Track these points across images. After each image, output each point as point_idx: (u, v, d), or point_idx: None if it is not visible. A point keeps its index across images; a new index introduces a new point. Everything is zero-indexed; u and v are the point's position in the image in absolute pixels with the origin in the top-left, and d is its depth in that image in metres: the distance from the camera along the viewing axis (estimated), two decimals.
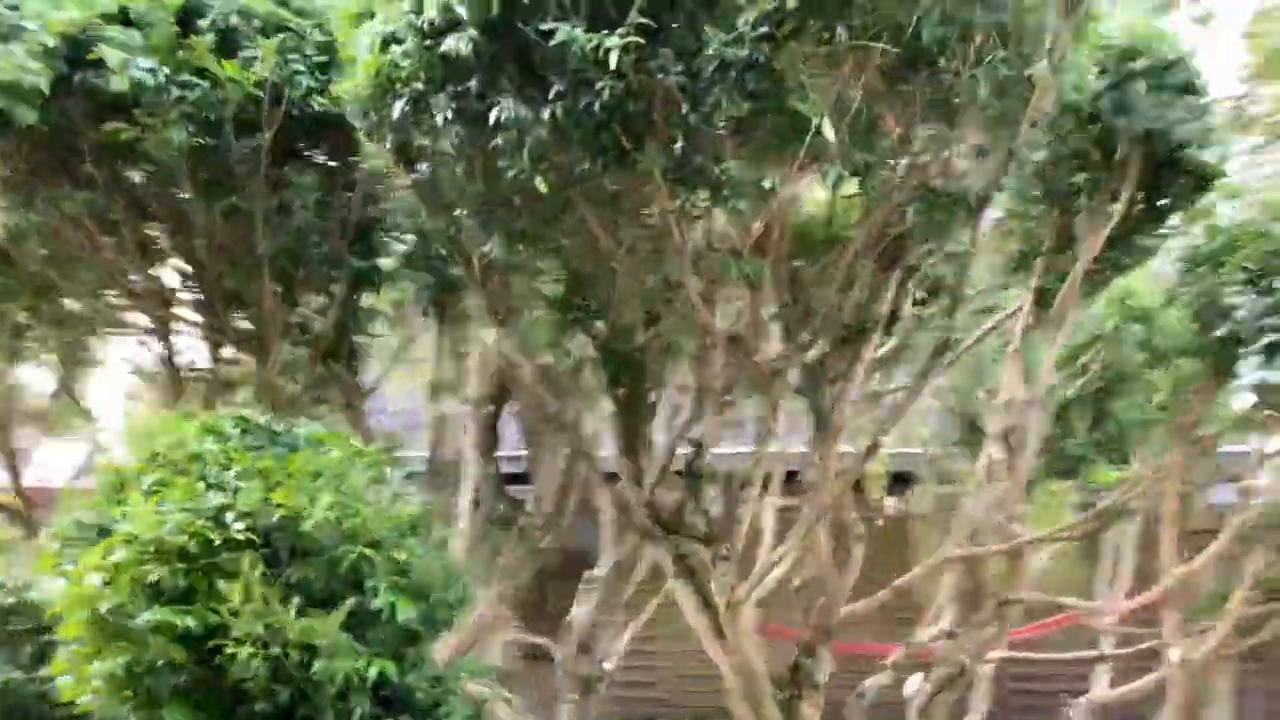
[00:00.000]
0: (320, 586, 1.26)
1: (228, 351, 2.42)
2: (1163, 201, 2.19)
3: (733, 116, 1.32)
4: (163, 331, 2.35)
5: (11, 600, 1.65)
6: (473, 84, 1.36)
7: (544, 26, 1.28)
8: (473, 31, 1.30)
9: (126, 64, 1.72)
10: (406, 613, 1.27)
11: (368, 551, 1.26)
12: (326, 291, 2.25)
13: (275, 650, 1.17)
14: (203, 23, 1.86)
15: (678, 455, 2.05)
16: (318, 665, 1.19)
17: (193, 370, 2.39)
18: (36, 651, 1.58)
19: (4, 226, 1.89)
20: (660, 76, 1.27)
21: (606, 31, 1.26)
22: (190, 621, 1.16)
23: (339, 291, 2.25)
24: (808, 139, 1.31)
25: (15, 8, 1.72)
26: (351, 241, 2.24)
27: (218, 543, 1.20)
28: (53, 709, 1.54)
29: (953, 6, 1.32)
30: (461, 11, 1.30)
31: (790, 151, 1.37)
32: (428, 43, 1.36)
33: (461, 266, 1.76)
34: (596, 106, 1.30)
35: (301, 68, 1.96)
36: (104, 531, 1.30)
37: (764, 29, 1.23)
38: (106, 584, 1.19)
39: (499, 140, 1.38)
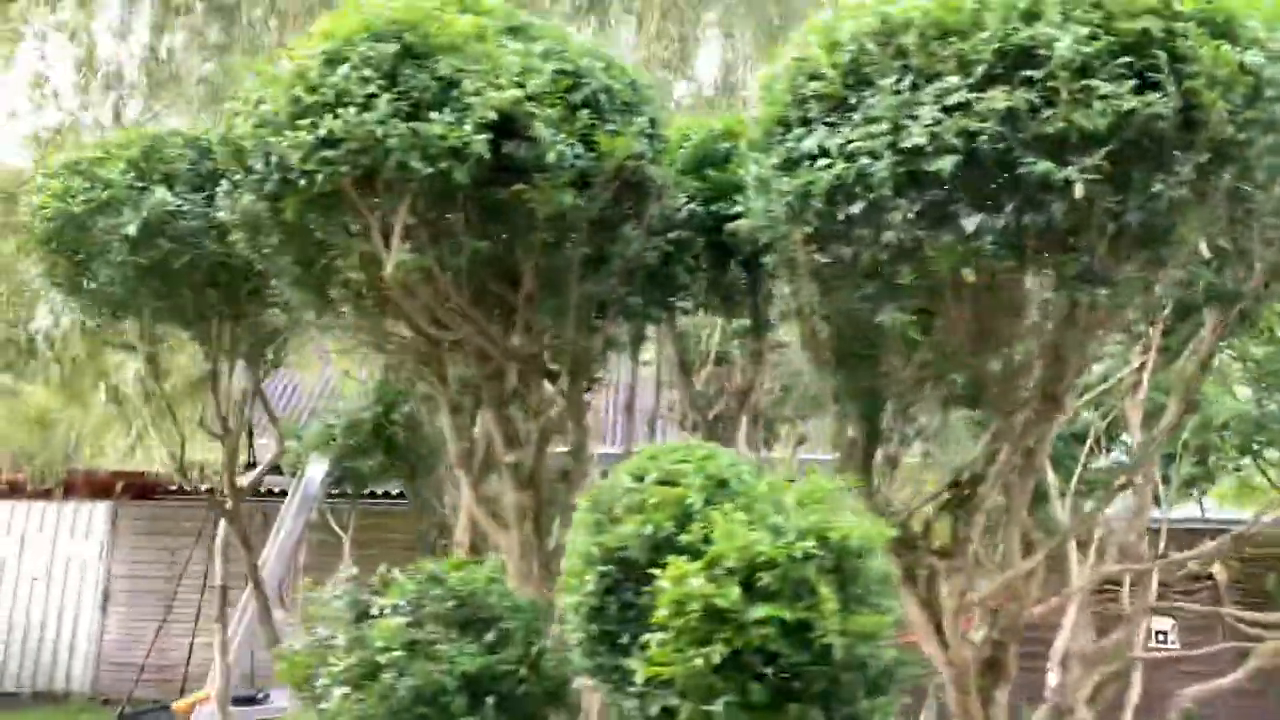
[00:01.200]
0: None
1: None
2: None
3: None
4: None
5: (458, 591, 1.87)
6: (937, 193, 1.73)
7: (1014, 158, 1.68)
8: (957, 157, 1.67)
9: (554, 138, 2.00)
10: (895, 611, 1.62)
11: (863, 561, 1.60)
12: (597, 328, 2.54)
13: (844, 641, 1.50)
14: (576, 97, 2.14)
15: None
16: (871, 653, 1.54)
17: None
18: (500, 638, 1.82)
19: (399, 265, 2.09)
20: (1096, 201, 1.68)
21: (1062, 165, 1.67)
22: (791, 615, 1.47)
23: (614, 328, 2.55)
24: (1184, 251, 1.76)
25: (454, 84, 1.97)
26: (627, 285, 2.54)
27: (797, 556, 1.51)
28: (519, 687, 1.79)
29: None
30: (953, 141, 1.67)
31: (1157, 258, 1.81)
32: (901, 159, 1.72)
33: (803, 319, 2.12)
34: (1043, 220, 1.71)
35: (644, 140, 2.27)
36: (665, 543, 1.59)
37: (1194, 176, 1.67)
38: (714, 584, 1.48)
39: (948, 237, 1.75)
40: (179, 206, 2.49)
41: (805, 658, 1.49)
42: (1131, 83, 1.63)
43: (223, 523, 3.01)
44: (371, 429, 3.69)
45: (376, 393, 3.70)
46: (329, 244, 2.26)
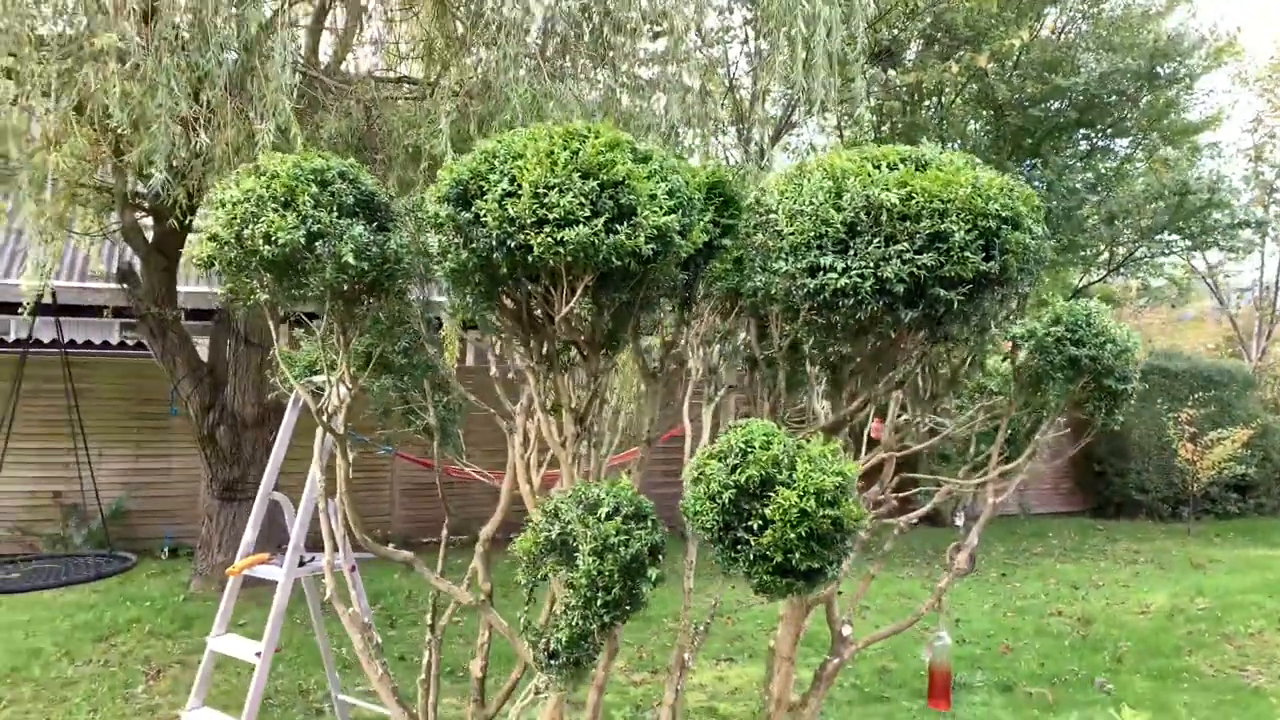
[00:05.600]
0: None
1: None
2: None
3: None
4: None
5: (630, 498, 3.36)
6: (889, 298, 3.44)
7: (928, 286, 3.41)
8: (906, 284, 3.38)
9: (681, 241, 3.42)
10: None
11: (850, 480, 3.33)
12: None
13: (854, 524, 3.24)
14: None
15: None
16: (860, 525, 3.29)
17: None
18: (654, 525, 3.37)
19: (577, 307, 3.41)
20: (959, 307, 3.48)
21: None
22: (836, 513, 3.18)
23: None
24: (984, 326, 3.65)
25: (632, 209, 3.31)
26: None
27: (836, 484, 3.20)
28: (664, 549, 3.36)
29: None
30: (905, 276, 3.36)
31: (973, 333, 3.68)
32: (876, 281, 3.39)
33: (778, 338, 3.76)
34: (935, 314, 3.48)
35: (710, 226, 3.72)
36: (767, 479, 3.19)
37: (999, 299, 3.52)
38: (800, 500, 3.13)
39: (890, 318, 3.47)
40: (371, 239, 3.56)
41: (834, 530, 3.22)
42: (982, 254, 3.42)
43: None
44: None
45: None
46: (505, 284, 3.52)
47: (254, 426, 9.80)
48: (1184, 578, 12.39)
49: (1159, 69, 14.22)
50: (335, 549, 4.22)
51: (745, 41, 11.37)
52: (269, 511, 5.28)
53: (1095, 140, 15.37)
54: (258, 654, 4.42)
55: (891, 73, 13.99)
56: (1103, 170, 15.58)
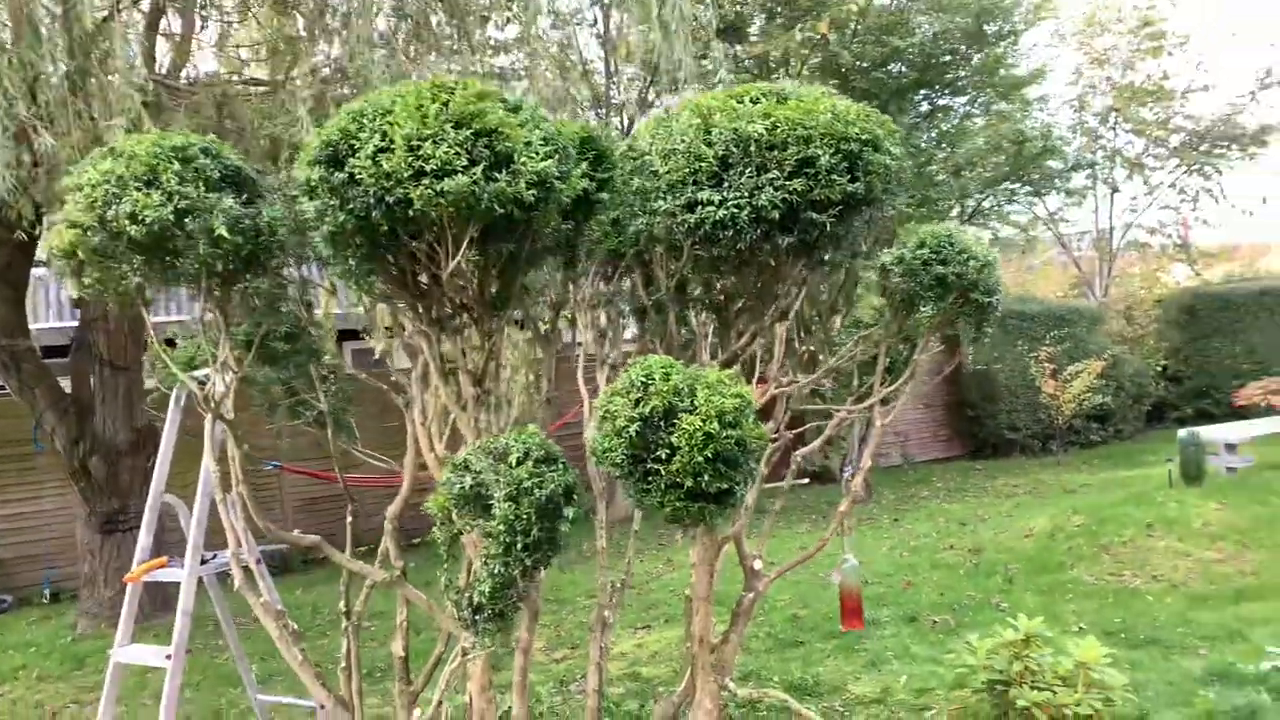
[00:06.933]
0: None
1: None
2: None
3: None
4: None
5: (540, 443, 3.39)
6: (765, 226, 3.56)
7: (799, 210, 3.54)
8: (779, 211, 3.51)
9: (561, 186, 3.47)
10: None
11: (748, 403, 3.44)
12: None
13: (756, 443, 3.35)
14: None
15: None
16: (761, 443, 3.40)
17: None
18: (564, 467, 3.41)
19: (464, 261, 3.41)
20: (830, 228, 3.63)
21: None
22: (739, 434, 3.28)
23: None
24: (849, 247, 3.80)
25: (508, 156, 3.34)
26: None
27: (735, 406, 3.29)
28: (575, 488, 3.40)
29: None
30: (779, 202, 3.49)
31: (845, 254, 3.84)
32: (752, 210, 3.51)
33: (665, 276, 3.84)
34: (808, 238, 3.62)
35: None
36: (670, 408, 3.26)
37: (866, 216, 3.69)
38: (704, 423, 3.22)
39: (768, 246, 3.59)
40: (243, 211, 3.48)
41: (739, 450, 3.33)
42: (847, 176, 3.58)
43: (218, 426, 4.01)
44: None
45: None
46: (389, 245, 3.49)
47: (129, 454, 9.33)
48: (1060, 502, 13.13)
49: (985, 27, 15.04)
50: (238, 542, 4.10)
51: (595, 24, 11.49)
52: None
53: (935, 99, 16.12)
54: (168, 657, 4.27)
55: (739, 47, 14.34)
56: (945, 128, 16.35)
